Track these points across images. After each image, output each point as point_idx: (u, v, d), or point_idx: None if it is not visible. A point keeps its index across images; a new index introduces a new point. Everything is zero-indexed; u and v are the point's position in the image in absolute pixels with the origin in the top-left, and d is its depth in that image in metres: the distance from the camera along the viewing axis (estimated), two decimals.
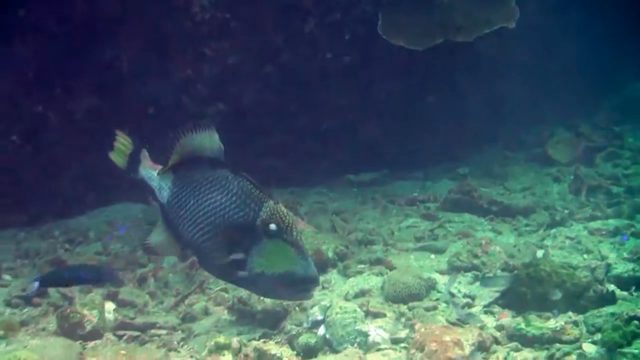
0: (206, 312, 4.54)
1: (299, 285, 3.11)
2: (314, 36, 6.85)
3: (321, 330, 3.93)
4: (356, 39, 6.96)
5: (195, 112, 6.66)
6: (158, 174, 3.39)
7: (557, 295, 4.15)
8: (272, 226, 3.05)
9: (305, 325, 4.10)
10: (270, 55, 6.82)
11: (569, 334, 3.85)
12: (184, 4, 6.46)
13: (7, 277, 5.51)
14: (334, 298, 4.42)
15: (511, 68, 7.62)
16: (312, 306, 4.13)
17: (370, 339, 3.86)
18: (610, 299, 4.26)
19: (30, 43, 6.36)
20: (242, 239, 3.10)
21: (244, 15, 6.61)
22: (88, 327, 4.16)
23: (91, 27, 6.30)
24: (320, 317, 4.03)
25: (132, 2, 6.40)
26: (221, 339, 3.50)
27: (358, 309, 4.00)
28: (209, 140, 3.25)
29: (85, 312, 4.21)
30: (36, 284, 3.96)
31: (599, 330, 3.87)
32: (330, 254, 5.18)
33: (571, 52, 8.02)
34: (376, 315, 4.20)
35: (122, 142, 3.46)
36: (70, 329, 4.16)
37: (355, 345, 3.79)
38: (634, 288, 4.49)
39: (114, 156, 3.47)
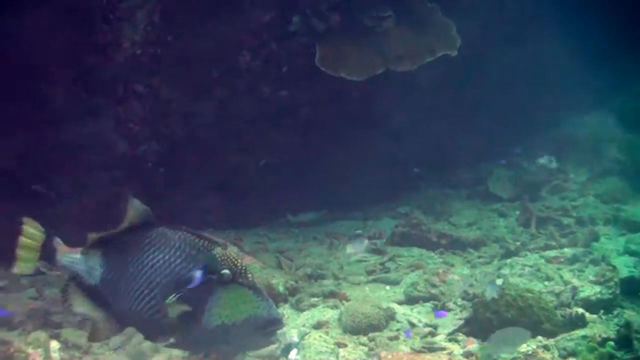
0: (156, 350, 4.21)
1: (264, 329, 2.90)
2: (250, 70, 6.60)
3: (292, 354, 3.78)
4: (293, 72, 6.74)
5: (127, 152, 6.34)
6: (82, 254, 3.11)
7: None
8: (225, 272, 2.86)
9: (277, 346, 3.92)
10: (204, 91, 6.55)
11: (541, 358, 3.70)
12: (113, 40, 6.15)
13: None
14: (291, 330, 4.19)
15: (447, 103, 7.49)
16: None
17: None
18: (581, 321, 4.13)
19: None
20: (194, 294, 2.87)
21: (176, 50, 6.34)
22: None
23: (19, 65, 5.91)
24: (296, 339, 3.93)
25: (60, 40, 6.04)
26: None
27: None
28: (129, 207, 3.02)
29: (30, 350, 3.95)
30: None
31: (571, 354, 3.78)
32: (281, 288, 4.95)
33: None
34: (338, 346, 4.00)
35: (31, 233, 3.10)
36: None
37: None
38: (602, 311, 4.34)
39: (20, 266, 3.13)
